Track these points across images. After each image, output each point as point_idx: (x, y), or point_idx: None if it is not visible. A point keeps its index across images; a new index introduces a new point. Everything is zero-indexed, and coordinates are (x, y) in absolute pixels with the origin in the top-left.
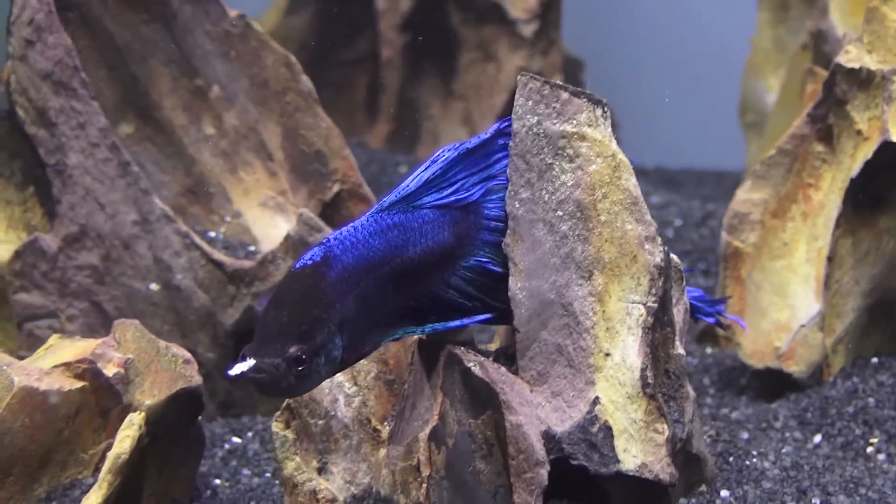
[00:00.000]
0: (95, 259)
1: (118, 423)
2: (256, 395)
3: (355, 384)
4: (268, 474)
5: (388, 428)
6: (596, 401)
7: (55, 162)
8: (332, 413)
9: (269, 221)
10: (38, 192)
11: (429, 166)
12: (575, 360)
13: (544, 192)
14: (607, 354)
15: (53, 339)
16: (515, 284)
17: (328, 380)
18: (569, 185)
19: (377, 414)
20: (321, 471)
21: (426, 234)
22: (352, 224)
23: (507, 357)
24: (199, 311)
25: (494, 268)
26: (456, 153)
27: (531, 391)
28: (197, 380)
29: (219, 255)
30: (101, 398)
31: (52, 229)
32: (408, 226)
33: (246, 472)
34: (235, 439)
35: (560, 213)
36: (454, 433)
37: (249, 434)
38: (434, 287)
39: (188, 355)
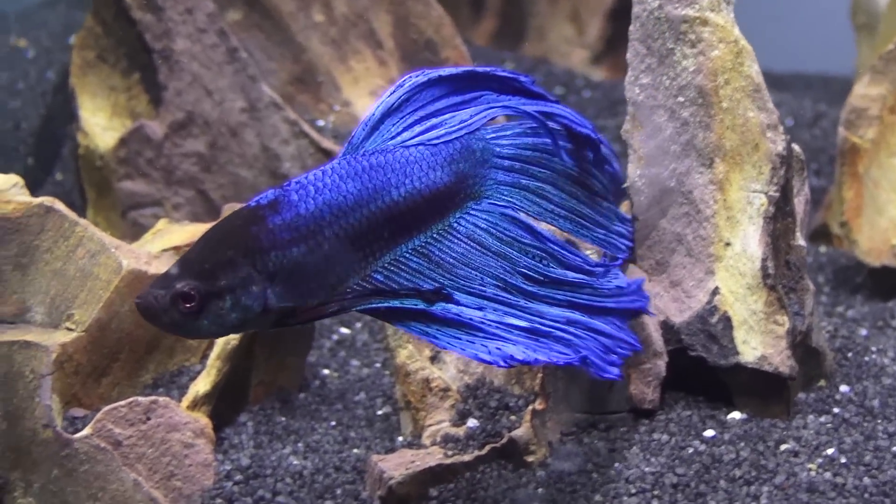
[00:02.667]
0: (202, 146)
1: None
2: None
3: None
4: (377, 364)
5: None
6: (715, 291)
7: (162, 48)
8: None
9: None
10: (143, 78)
11: (393, 91)
12: (694, 249)
13: (665, 77)
14: (728, 244)
15: (161, 223)
16: (635, 171)
17: None
18: (690, 70)
19: None
20: (434, 359)
21: (412, 175)
22: (322, 167)
23: None
24: None
25: (514, 213)
26: (425, 78)
27: (650, 280)
28: None
29: (328, 144)
30: None
31: (157, 116)
32: (388, 166)
33: (355, 362)
34: (344, 330)
35: (681, 99)
36: None
37: (358, 325)
38: (436, 234)
39: None
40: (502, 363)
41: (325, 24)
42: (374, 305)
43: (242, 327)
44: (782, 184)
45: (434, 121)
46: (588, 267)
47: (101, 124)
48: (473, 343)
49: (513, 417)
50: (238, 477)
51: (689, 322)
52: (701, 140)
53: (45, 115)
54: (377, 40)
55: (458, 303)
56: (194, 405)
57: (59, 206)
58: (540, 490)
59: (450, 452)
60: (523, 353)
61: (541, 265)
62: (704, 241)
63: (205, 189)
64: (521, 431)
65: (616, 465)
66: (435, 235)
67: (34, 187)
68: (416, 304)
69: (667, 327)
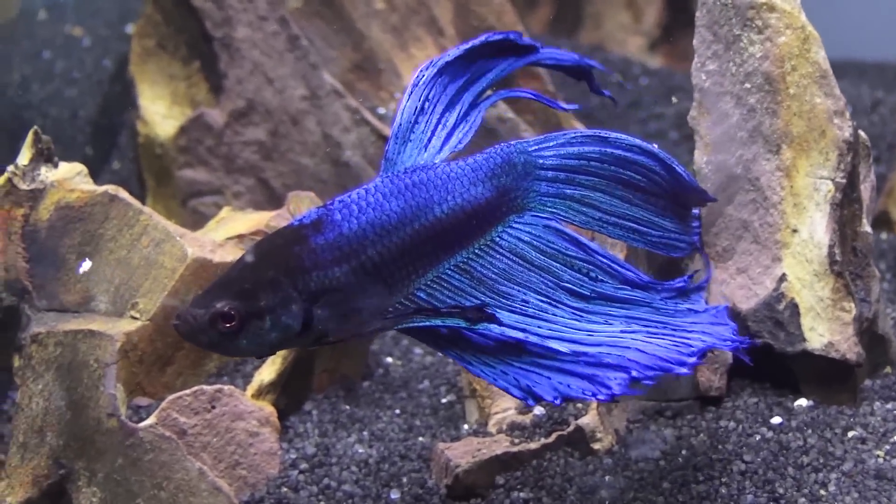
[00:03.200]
0: (262, 134)
1: None
2: None
3: None
4: (440, 353)
5: None
6: (783, 278)
7: (222, 35)
8: None
9: None
10: (203, 66)
11: (411, 93)
12: (761, 236)
13: (731, 63)
14: (794, 231)
15: (225, 211)
16: (701, 158)
17: None
18: (757, 56)
19: None
20: None
21: (453, 192)
22: (364, 185)
23: None
24: None
25: (558, 225)
26: (434, 69)
27: (716, 267)
28: None
29: (389, 132)
30: None
31: (217, 104)
32: (430, 183)
33: (418, 350)
34: None
35: (748, 85)
36: None
37: None
38: (478, 250)
39: None
40: (531, 402)
41: (386, 11)
42: (415, 324)
43: (282, 346)
44: (849, 170)
45: (457, 110)
46: (642, 282)
47: (160, 113)
48: (507, 375)
49: (579, 405)
50: (303, 465)
51: (755, 309)
52: (768, 126)
53: (101, 103)
54: (438, 27)
55: (500, 322)
56: (259, 394)
57: (124, 194)
58: (607, 478)
59: (516, 440)
60: (553, 392)
61: (587, 279)
62: (771, 228)
63: (265, 177)
64: (588, 419)
65: (683, 452)
66: (477, 251)
67: (92, 176)
68: (458, 323)
69: (733, 314)
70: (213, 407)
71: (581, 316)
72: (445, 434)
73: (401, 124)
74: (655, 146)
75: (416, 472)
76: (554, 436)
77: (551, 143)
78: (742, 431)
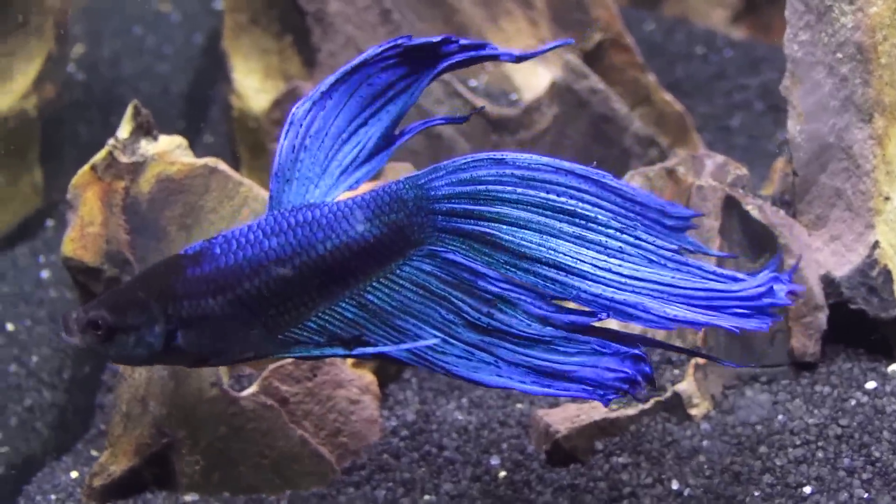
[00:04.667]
0: None
1: None
2: None
3: None
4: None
5: None
6: (875, 245)
7: (315, 10)
8: None
9: (530, 70)
10: (295, 40)
11: (287, 132)
12: (854, 203)
13: (823, 34)
14: (887, 198)
15: None
16: (794, 127)
17: None
18: (849, 27)
19: None
20: None
21: (337, 230)
22: (251, 222)
23: (783, 202)
24: None
25: (458, 258)
26: (310, 102)
27: (809, 235)
28: None
29: (481, 104)
30: None
31: (311, 78)
32: (314, 222)
33: None
34: None
35: (839, 55)
36: None
37: None
38: (375, 283)
39: None
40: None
41: None
42: (296, 355)
43: (151, 361)
44: None
45: (354, 142)
46: (545, 313)
47: (254, 87)
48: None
49: (675, 371)
50: (404, 432)
51: (849, 276)
52: (860, 96)
53: (192, 78)
54: (528, 1)
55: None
56: (359, 362)
57: (224, 166)
58: (705, 443)
59: (614, 406)
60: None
61: (484, 311)
62: (864, 196)
63: None
64: (685, 385)
65: (779, 417)
66: (374, 284)
67: None
68: (336, 352)
69: (827, 281)
70: (315, 375)
71: (472, 354)
72: (543, 401)
73: (280, 163)
74: (575, 165)
75: (516, 439)
76: (651, 402)
77: (441, 173)
78: (837, 396)
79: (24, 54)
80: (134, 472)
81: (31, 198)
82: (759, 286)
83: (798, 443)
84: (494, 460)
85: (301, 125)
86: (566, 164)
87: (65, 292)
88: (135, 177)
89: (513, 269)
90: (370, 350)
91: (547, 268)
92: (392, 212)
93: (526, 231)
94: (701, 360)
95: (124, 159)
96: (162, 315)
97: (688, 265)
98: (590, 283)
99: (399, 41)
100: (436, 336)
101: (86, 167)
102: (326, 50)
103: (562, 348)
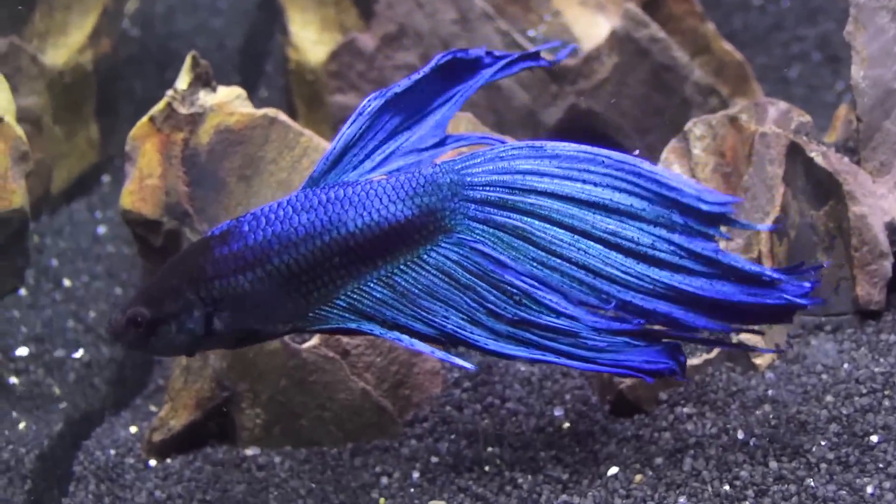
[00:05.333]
0: (414, 58)
1: None
2: None
3: (693, 176)
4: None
5: None
6: None
7: None
8: None
9: (589, 20)
10: None
11: (354, 120)
12: None
13: None
14: None
15: None
16: (858, 73)
17: None
18: None
19: None
20: None
21: (370, 208)
22: (282, 199)
23: (847, 149)
24: (519, 110)
25: (487, 249)
26: (383, 100)
27: (874, 182)
28: None
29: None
30: None
31: (368, 29)
32: (346, 199)
33: None
34: None
35: None
36: (796, 224)
37: None
38: (402, 266)
39: None
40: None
41: None
42: (330, 327)
43: (193, 347)
44: None
45: (393, 144)
46: (571, 313)
47: (311, 39)
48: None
49: None
50: (466, 384)
51: None
52: None
53: (247, 32)
54: None
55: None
56: None
57: (283, 116)
58: (770, 392)
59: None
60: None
61: (510, 303)
62: None
63: None
64: (749, 334)
65: (845, 366)
66: (402, 266)
67: None
68: (372, 329)
69: (892, 228)
70: None
71: (496, 338)
72: None
73: (335, 149)
74: (612, 153)
75: (579, 390)
76: (716, 351)
77: (479, 160)
78: None
79: (80, 9)
80: (194, 427)
81: (88, 153)
82: (782, 296)
83: (864, 391)
84: (558, 411)
85: (365, 121)
86: (603, 152)
87: (122, 248)
88: (194, 128)
89: (540, 266)
90: (402, 337)
91: (576, 268)
92: (426, 194)
93: (558, 228)
94: None
95: (183, 110)
96: (197, 298)
97: (720, 263)
98: (619, 287)
99: (450, 55)
100: (460, 318)
101: (144, 119)
102: (384, 1)
103: (591, 342)
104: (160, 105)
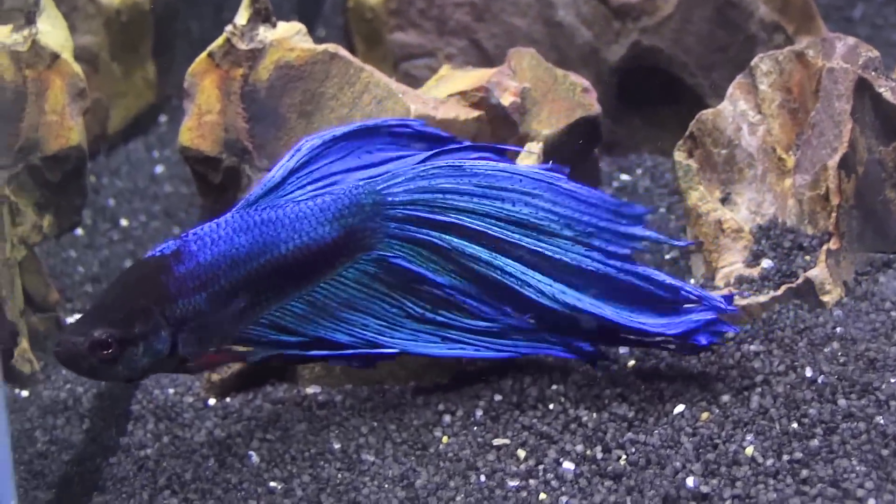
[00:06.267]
0: None
1: (514, 154)
2: (640, 133)
3: (759, 112)
4: (661, 209)
5: (793, 157)
6: None
7: None
8: (736, 142)
9: None
10: None
11: (293, 155)
12: None
13: None
14: None
15: (445, 69)
16: None
17: (731, 108)
18: None
19: (782, 143)
20: (724, 201)
21: (300, 231)
22: (216, 220)
23: None
24: (582, 48)
25: (406, 264)
26: (321, 141)
27: None
28: (596, 108)
29: None
30: (498, 128)
31: None
32: (279, 221)
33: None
34: (624, 176)
35: None
36: (864, 161)
37: (639, 171)
38: (323, 283)
39: (587, 83)
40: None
41: None
42: (256, 358)
43: (151, 370)
44: None
45: (329, 180)
46: (491, 316)
47: None
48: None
49: (807, 258)
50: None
51: None
52: None
53: None
54: None
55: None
56: None
57: (344, 52)
58: (838, 329)
59: (745, 294)
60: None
61: (428, 308)
62: None
63: (477, 38)
64: (817, 271)
65: None
66: (323, 284)
67: None
68: (293, 353)
69: None
70: None
71: (417, 336)
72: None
73: (273, 176)
74: (530, 171)
75: None
76: (783, 288)
77: (400, 179)
78: None
79: None
80: (254, 366)
81: (144, 92)
82: (692, 322)
83: None
84: (623, 349)
85: (304, 156)
86: (522, 169)
87: (179, 187)
88: (253, 64)
89: (460, 278)
90: (324, 353)
91: (493, 288)
92: (350, 215)
93: (477, 247)
94: (833, 245)
95: (242, 46)
96: (163, 318)
97: (637, 274)
98: (534, 305)
99: (408, 122)
100: (379, 324)
101: (203, 55)
102: None
103: (512, 336)
104: (219, 41)
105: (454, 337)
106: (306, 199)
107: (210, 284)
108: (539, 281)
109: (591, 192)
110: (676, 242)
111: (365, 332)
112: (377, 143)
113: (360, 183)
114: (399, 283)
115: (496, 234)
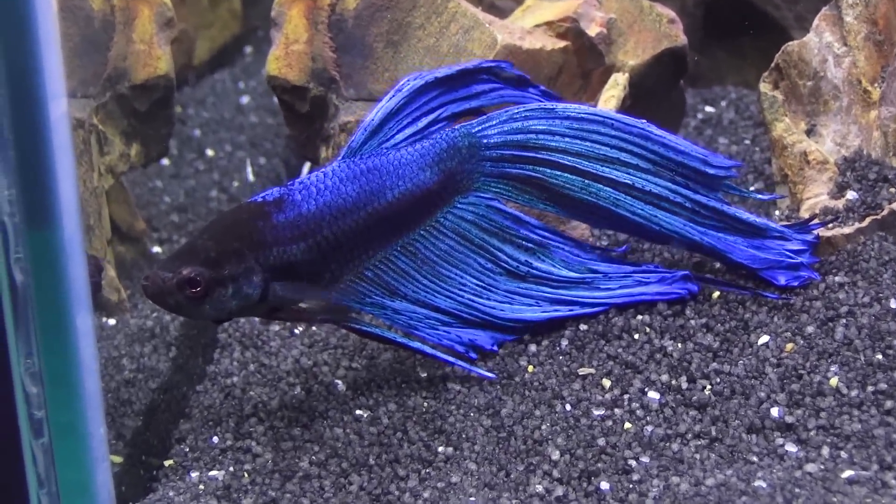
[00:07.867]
0: None
1: (600, 85)
2: (725, 65)
3: (845, 44)
4: (746, 141)
5: (878, 89)
6: None
7: None
8: (822, 74)
9: None
10: None
11: (392, 96)
12: None
13: None
14: None
15: (531, 0)
16: None
17: (816, 39)
18: None
19: (867, 75)
20: (810, 132)
21: (404, 177)
22: (322, 169)
23: None
24: None
25: (500, 205)
26: (422, 81)
27: None
28: (682, 40)
29: None
30: (584, 58)
31: None
32: (383, 169)
33: (723, 139)
34: (709, 108)
35: None
36: None
37: (723, 103)
38: (423, 231)
39: (673, 14)
40: (473, 354)
41: None
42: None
43: (241, 313)
44: None
45: (427, 119)
46: (585, 257)
47: None
48: (450, 334)
49: (892, 190)
50: (616, 250)
51: None
52: None
53: None
54: None
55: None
56: None
57: None
58: None
59: (830, 225)
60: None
61: (523, 258)
62: None
63: None
64: None
65: None
66: (422, 232)
67: None
68: (393, 337)
69: None
70: None
71: (512, 299)
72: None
73: (372, 119)
74: (622, 117)
75: None
76: (867, 220)
77: (494, 122)
78: None
79: None
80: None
81: (230, 23)
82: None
83: None
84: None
85: (403, 97)
86: (613, 114)
87: (265, 118)
88: None
89: (552, 206)
90: (423, 348)
91: (587, 213)
92: (449, 158)
93: (569, 174)
94: None
95: None
96: (257, 264)
97: (725, 214)
98: (631, 228)
99: (503, 65)
100: (476, 284)
101: None
102: None
103: (603, 286)
104: None
105: (548, 296)
106: (406, 145)
107: (311, 235)
108: (633, 204)
109: (681, 141)
110: (761, 196)
111: (462, 294)
112: (474, 82)
113: (456, 126)
114: (494, 228)
115: (588, 170)
